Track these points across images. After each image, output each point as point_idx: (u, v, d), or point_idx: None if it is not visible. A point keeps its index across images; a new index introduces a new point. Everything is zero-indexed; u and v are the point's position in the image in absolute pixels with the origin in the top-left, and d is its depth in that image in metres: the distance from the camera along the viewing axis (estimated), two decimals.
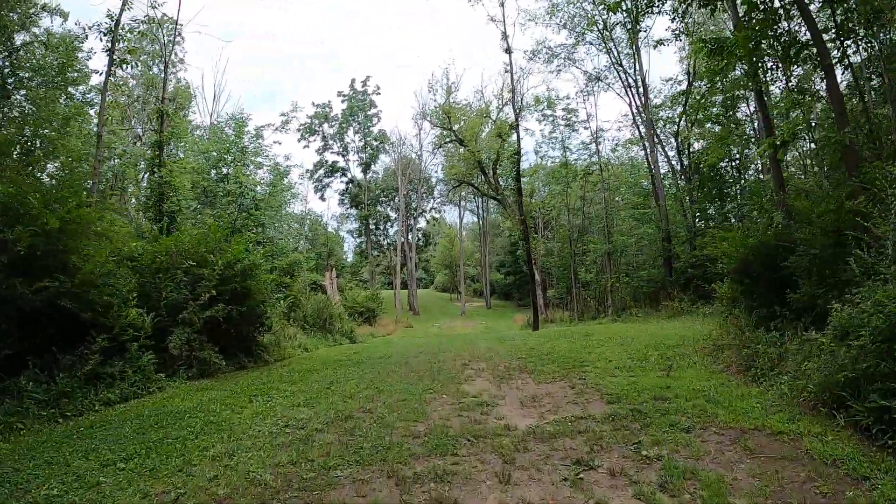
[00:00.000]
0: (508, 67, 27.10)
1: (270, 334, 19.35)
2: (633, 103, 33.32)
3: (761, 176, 30.62)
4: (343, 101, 60.12)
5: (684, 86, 33.42)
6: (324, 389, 10.87)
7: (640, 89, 32.84)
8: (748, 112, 32.39)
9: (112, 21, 15.35)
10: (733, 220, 29.87)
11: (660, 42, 26.88)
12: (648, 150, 32.34)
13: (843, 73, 14.68)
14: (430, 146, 55.66)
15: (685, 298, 27.50)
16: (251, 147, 30.70)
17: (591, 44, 34.93)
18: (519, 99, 28.97)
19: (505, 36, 27.33)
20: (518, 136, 26.15)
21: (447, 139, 45.80)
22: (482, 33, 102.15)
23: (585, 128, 38.85)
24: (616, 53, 33.45)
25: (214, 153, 28.81)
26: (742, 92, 32.35)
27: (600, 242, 34.81)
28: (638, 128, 33.73)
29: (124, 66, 15.83)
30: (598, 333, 19.41)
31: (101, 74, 17.03)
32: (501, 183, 45.31)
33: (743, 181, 32.04)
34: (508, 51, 27.20)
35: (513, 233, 66.85)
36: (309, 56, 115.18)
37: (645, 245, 32.81)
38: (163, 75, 23.73)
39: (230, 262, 15.32)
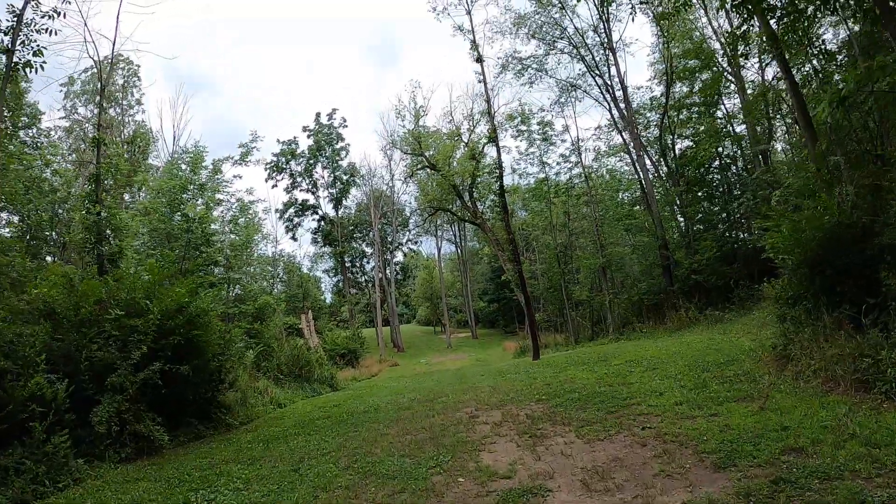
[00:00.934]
0: (481, 77, 24.59)
1: (235, 391, 16.27)
2: (613, 108, 31.01)
3: (744, 173, 28.49)
4: (309, 137, 57.49)
5: (657, 92, 31.60)
6: (289, 474, 7.84)
7: (620, 93, 30.54)
8: (726, 111, 30.46)
9: (14, 17, 12.45)
10: (720, 227, 27.51)
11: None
12: (635, 156, 29.93)
13: None
14: (402, 176, 53.10)
15: (691, 307, 24.96)
16: (209, 183, 27.72)
17: (564, 52, 32.68)
18: (494, 110, 26.44)
19: (475, 45, 24.89)
20: (498, 147, 23.60)
21: (419, 166, 43.22)
22: (449, 54, 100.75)
23: (563, 140, 36.19)
24: (592, 57, 31.18)
25: (170, 191, 25.79)
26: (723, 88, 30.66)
27: (593, 257, 32.13)
28: (620, 133, 31.41)
29: (28, 69, 12.76)
30: (613, 357, 16.76)
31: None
32: (479, 206, 42.87)
33: (730, 180, 29.66)
34: (479, 59, 24.74)
35: (493, 259, 64.52)
36: (271, 95, 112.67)
37: (639, 255, 30.21)
38: (100, 99, 20.55)
39: (171, 309, 12.25)
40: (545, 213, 36.15)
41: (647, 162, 31.17)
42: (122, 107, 40.36)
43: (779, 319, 11.52)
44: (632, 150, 30.19)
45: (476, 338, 60.34)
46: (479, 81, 25.03)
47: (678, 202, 29.32)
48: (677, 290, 26.59)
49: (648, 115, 33.08)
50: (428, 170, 43.55)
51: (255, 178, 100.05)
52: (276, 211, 57.16)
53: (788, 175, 18.68)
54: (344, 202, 58.66)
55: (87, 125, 37.44)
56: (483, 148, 41.32)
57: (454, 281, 72.12)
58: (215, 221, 27.65)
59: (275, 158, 57.18)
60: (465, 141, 41.10)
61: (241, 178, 32.90)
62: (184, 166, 27.51)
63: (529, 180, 38.86)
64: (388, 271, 60.40)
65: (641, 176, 29.46)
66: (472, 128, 41.24)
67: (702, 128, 30.06)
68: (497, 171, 23.00)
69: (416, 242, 67.11)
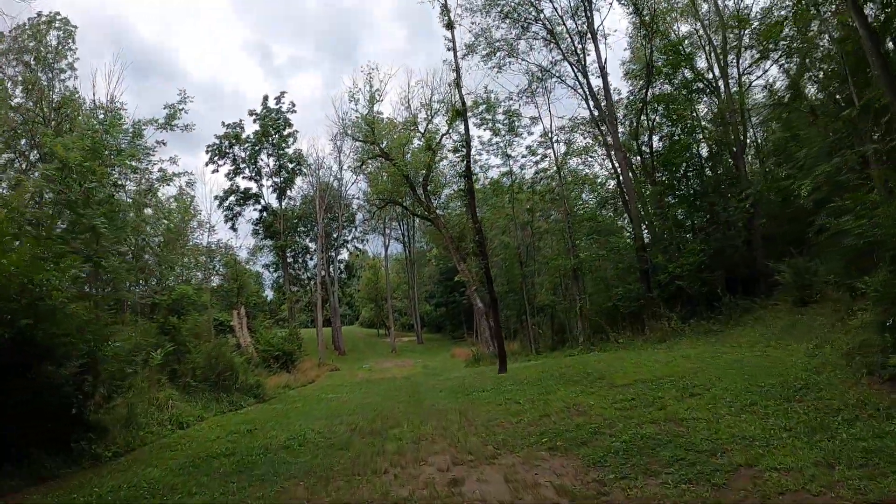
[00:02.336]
0: (451, 45, 20.82)
1: (118, 407, 12.09)
2: (590, 99, 27.61)
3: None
4: (255, 121, 52.53)
5: (624, 92, 28.43)
6: None
7: (599, 81, 27.25)
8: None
9: None
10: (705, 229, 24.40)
11: None
12: (615, 149, 26.62)
13: None
14: (351, 169, 48.82)
15: (674, 316, 22.09)
16: (127, 148, 23.12)
17: (538, 38, 29.24)
18: (462, 83, 22.54)
19: (445, 9, 21.07)
20: (466, 122, 19.74)
21: (370, 155, 39.16)
22: (407, 50, 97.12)
23: (530, 133, 32.69)
24: (569, 43, 27.83)
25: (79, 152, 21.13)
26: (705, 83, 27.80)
27: (563, 258, 28.56)
28: (597, 124, 28.03)
29: None
30: (609, 373, 13.52)
31: None
32: (433, 202, 39.03)
33: (712, 181, 26.67)
34: (450, 25, 20.95)
35: (442, 261, 60.70)
36: (225, 85, 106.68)
37: (614, 257, 26.88)
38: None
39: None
40: (506, 209, 32.51)
41: (615, 162, 27.92)
42: (53, 71, 35.13)
43: (882, 329, 8.06)
44: (609, 141, 26.89)
45: (422, 342, 56.37)
46: (449, 49, 21.30)
47: (657, 201, 26.15)
48: (657, 297, 23.37)
49: (621, 113, 29.89)
50: (380, 160, 39.63)
51: (193, 161, 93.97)
52: (216, 198, 52.02)
53: None
54: (288, 193, 53.87)
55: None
56: (441, 139, 37.76)
57: (400, 282, 67.99)
58: (122, 189, 23.01)
59: (217, 141, 52.12)
60: (422, 131, 37.41)
61: (164, 144, 27.76)
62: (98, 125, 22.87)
63: (492, 173, 35.15)
64: (331, 269, 55.96)
65: (619, 171, 26.15)
66: (429, 117, 37.60)
67: (677, 128, 27.19)
68: (463, 148, 19.19)
69: (362, 241, 62.70)
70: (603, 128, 27.60)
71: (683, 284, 22.37)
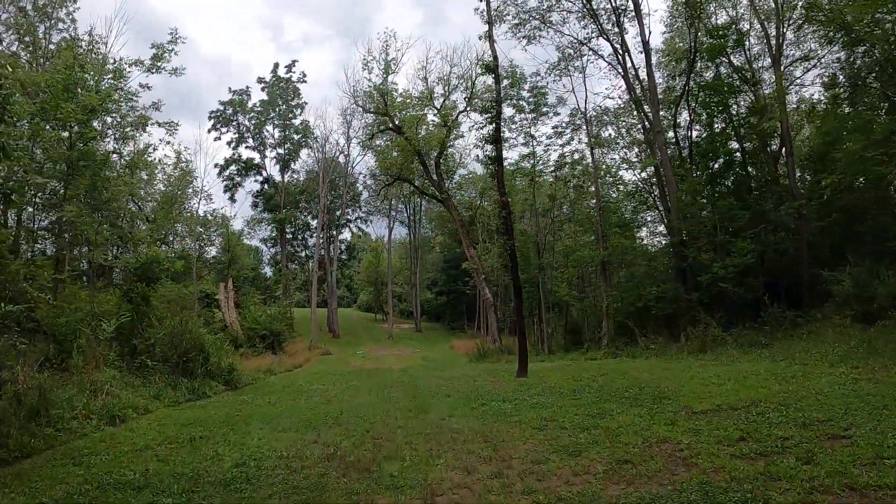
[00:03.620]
0: None
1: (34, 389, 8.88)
2: (629, 76, 24.21)
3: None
4: (264, 90, 49.08)
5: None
6: None
7: (641, 57, 23.84)
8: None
9: None
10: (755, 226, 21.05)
11: None
12: (655, 132, 23.24)
13: None
14: (360, 143, 45.31)
15: (713, 323, 18.82)
16: (105, 85, 19.68)
17: (573, 10, 25.91)
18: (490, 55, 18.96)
19: None
20: (497, 80, 16.14)
21: (382, 127, 35.78)
22: (425, 25, 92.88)
23: (556, 113, 29.20)
24: (607, 16, 24.53)
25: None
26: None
27: (591, 249, 25.11)
28: (638, 105, 24.64)
29: None
30: (666, 389, 10.66)
31: None
32: (445, 182, 35.66)
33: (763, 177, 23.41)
34: None
35: (447, 248, 57.30)
36: (236, 58, 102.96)
37: (644, 252, 23.53)
38: None
39: None
40: (526, 192, 29.10)
41: (656, 147, 24.55)
42: (50, 20, 31.65)
43: None
44: (649, 123, 23.52)
45: (420, 331, 53.01)
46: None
47: (704, 192, 22.81)
48: (696, 301, 20.07)
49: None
50: (391, 134, 36.29)
51: (198, 133, 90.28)
52: (216, 166, 48.81)
53: None
54: (292, 165, 50.50)
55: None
56: (457, 116, 34.46)
57: (402, 267, 64.55)
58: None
59: (222, 108, 48.72)
60: (438, 107, 34.09)
61: (149, 88, 24.29)
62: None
63: (512, 154, 31.60)
64: (331, 248, 52.55)
65: (659, 156, 22.74)
66: (447, 93, 34.31)
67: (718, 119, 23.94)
68: (493, 108, 15.74)
69: (366, 221, 59.20)
70: (645, 108, 24.20)
71: (728, 288, 19.09)
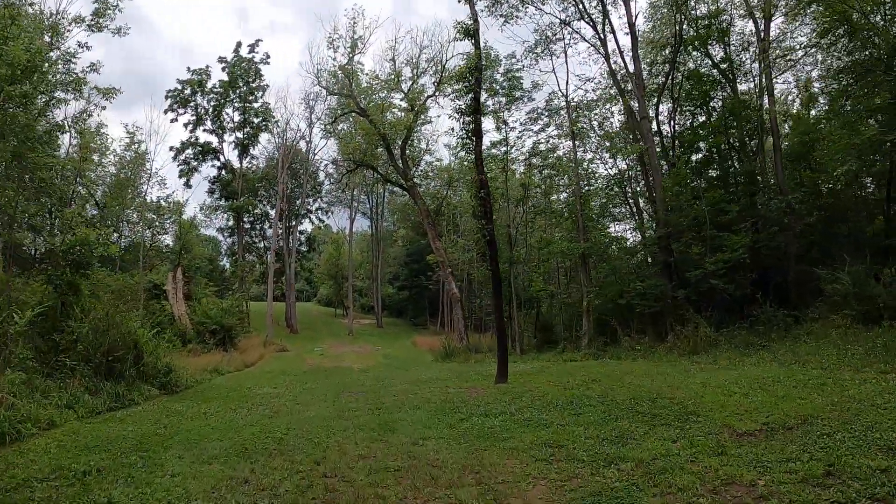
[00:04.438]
0: None
1: None
2: (612, 59, 22.64)
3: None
4: (224, 70, 46.14)
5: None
6: None
7: (627, 39, 22.28)
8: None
9: None
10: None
11: None
12: (640, 117, 21.67)
13: None
14: (323, 127, 43.00)
15: (703, 322, 17.32)
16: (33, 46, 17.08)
17: None
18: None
19: None
20: (477, 42, 14.06)
21: (346, 109, 33.64)
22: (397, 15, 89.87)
23: (531, 98, 27.36)
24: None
25: None
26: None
27: (570, 241, 23.27)
28: (622, 91, 23.02)
29: None
30: (682, 399, 9.08)
31: None
32: (411, 170, 33.65)
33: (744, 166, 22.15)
34: None
35: (409, 242, 55.21)
36: (201, 42, 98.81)
37: (623, 247, 21.91)
38: None
39: None
40: (497, 181, 27.26)
41: (640, 134, 23.02)
42: None
43: None
44: (635, 109, 21.90)
45: (381, 326, 50.83)
46: None
47: (692, 182, 21.33)
48: (683, 298, 18.55)
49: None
50: (355, 118, 34.15)
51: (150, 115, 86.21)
52: (171, 149, 45.79)
53: None
54: (251, 151, 47.58)
55: None
56: (425, 101, 32.51)
57: (363, 261, 62.25)
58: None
59: (179, 87, 45.61)
60: (405, 90, 32.11)
61: (89, 48, 21.66)
62: None
63: (483, 140, 29.59)
64: (290, 239, 49.94)
65: (647, 144, 21.12)
66: (415, 76, 32.38)
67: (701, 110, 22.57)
68: (473, 74, 13.78)
69: (327, 212, 56.61)
70: (631, 86, 22.62)
71: (718, 285, 17.59)
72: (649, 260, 21.78)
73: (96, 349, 12.82)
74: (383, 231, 56.56)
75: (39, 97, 17.29)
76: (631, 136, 24.17)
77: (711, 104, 23.38)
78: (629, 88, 23.71)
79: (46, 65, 18.05)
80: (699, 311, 17.73)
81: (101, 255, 17.31)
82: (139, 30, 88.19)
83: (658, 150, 23.45)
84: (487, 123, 28.88)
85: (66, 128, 22.53)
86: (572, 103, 25.22)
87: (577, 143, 25.08)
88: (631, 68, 22.61)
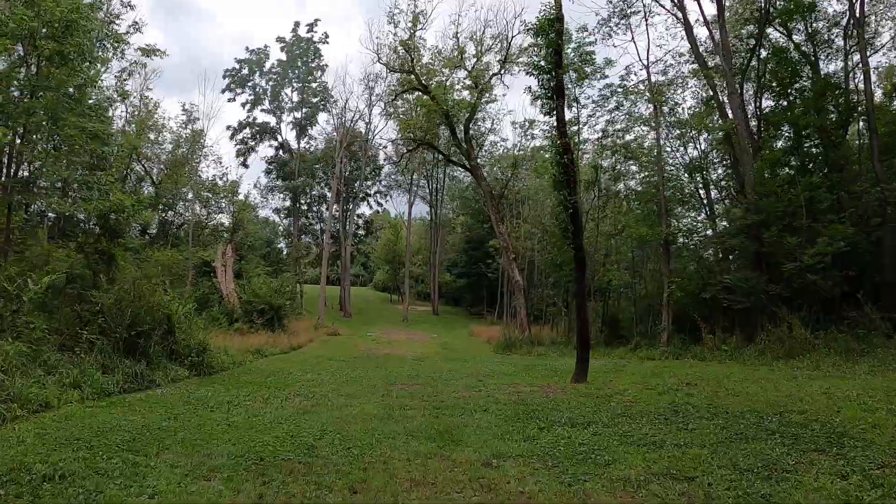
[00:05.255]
0: None
1: None
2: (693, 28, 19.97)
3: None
4: (283, 50, 44.99)
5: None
6: None
7: (713, 6, 19.51)
8: None
9: None
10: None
11: None
12: (729, 93, 18.98)
13: None
14: (382, 115, 41.33)
15: (797, 323, 14.83)
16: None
17: None
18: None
19: None
20: None
21: (406, 87, 31.70)
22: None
23: (604, 76, 24.62)
24: None
25: None
26: None
27: (650, 226, 20.58)
28: (703, 64, 20.38)
29: None
30: (823, 417, 6.92)
31: None
32: (476, 149, 31.50)
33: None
34: None
35: (469, 228, 52.95)
36: (261, 28, 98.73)
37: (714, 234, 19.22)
38: None
39: None
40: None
41: (729, 110, 20.19)
42: None
43: None
44: (719, 88, 19.25)
45: (437, 314, 48.95)
46: None
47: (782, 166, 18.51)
48: (777, 294, 15.90)
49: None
50: (416, 96, 32.20)
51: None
52: (228, 128, 45.08)
53: None
54: (309, 131, 46.31)
55: None
56: (490, 79, 30.25)
57: (421, 247, 60.42)
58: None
59: (237, 66, 44.71)
60: (469, 68, 29.94)
61: (132, 7, 20.56)
62: None
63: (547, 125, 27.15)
64: (347, 223, 48.49)
65: (736, 121, 18.45)
66: (479, 54, 30.10)
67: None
68: (553, 25, 11.56)
69: (385, 196, 54.92)
70: (718, 59, 19.87)
71: (816, 280, 14.88)
72: (732, 252, 19.01)
73: (117, 323, 11.20)
74: (442, 217, 54.58)
75: (84, 63, 15.90)
76: (711, 119, 21.30)
77: (797, 85, 20.55)
78: (712, 64, 21.01)
79: (88, 23, 16.71)
80: (793, 310, 15.12)
81: (138, 222, 15.90)
82: (198, 18, 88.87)
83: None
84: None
85: (113, 96, 21.29)
86: (651, 78, 22.51)
87: (656, 118, 22.37)
88: (717, 36, 19.90)
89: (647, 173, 23.92)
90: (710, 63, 21.57)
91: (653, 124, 21.77)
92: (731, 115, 19.21)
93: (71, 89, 14.76)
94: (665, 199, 19.73)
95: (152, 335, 11.63)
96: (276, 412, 8.13)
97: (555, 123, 12.08)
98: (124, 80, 26.45)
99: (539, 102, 13.48)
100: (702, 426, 6.94)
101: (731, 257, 19.68)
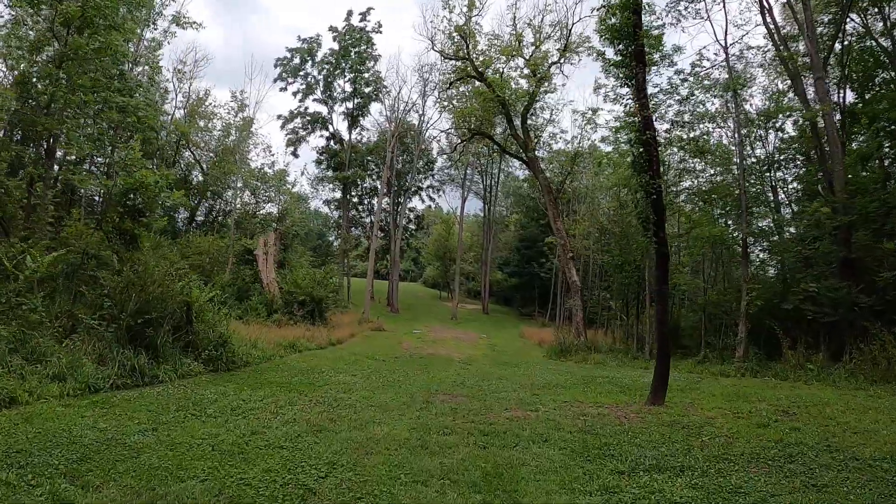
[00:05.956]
0: None
1: None
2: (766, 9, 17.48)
3: None
4: (335, 39, 43.69)
5: None
6: None
7: None
8: None
9: None
10: None
11: None
12: (815, 77, 16.58)
13: None
14: (436, 106, 39.66)
15: (892, 341, 12.51)
16: None
17: None
18: None
19: None
20: None
21: (461, 74, 29.91)
22: None
23: (672, 63, 22.00)
24: None
25: None
26: None
27: (720, 227, 18.19)
28: (780, 43, 17.90)
29: None
30: None
31: None
32: (534, 141, 29.46)
33: None
34: None
35: (522, 226, 50.84)
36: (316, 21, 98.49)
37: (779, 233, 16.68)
38: None
39: None
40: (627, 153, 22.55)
41: (818, 96, 17.59)
42: None
43: None
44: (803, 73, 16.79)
45: (487, 313, 46.98)
46: None
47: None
48: (869, 307, 13.56)
49: None
50: (471, 84, 30.40)
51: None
52: (279, 117, 44.13)
53: None
54: (361, 121, 44.88)
55: None
56: (549, 67, 28.26)
57: (473, 244, 58.50)
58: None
59: (289, 55, 43.67)
60: (527, 56, 27.99)
61: (176, 34, 19.74)
62: None
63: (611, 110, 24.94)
64: (397, 216, 46.98)
65: (820, 106, 16.01)
66: (538, 41, 28.13)
67: None
68: None
69: (438, 191, 53.17)
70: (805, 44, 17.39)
71: None
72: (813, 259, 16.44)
73: (120, 308, 9.77)
74: (496, 214, 52.59)
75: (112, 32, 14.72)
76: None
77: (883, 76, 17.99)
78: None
79: None
80: (886, 325, 12.75)
81: (165, 203, 14.55)
82: (254, 12, 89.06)
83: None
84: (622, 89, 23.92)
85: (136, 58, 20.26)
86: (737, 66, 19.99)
87: (736, 105, 19.82)
88: (800, 16, 17.42)
89: (717, 170, 21.55)
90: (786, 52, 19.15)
91: (729, 107, 19.24)
92: (818, 100, 16.73)
93: (93, 57, 13.55)
94: (745, 196, 17.20)
95: (162, 324, 10.16)
96: (282, 428, 6.45)
97: (633, 96, 10.00)
98: (156, 50, 25.50)
99: (612, 77, 11.35)
100: (834, 481, 4.99)
101: (812, 264, 17.15)
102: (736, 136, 18.63)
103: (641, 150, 9.27)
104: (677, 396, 9.88)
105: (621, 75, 10.57)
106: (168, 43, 26.71)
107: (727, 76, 18.41)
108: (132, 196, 13.23)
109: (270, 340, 16.19)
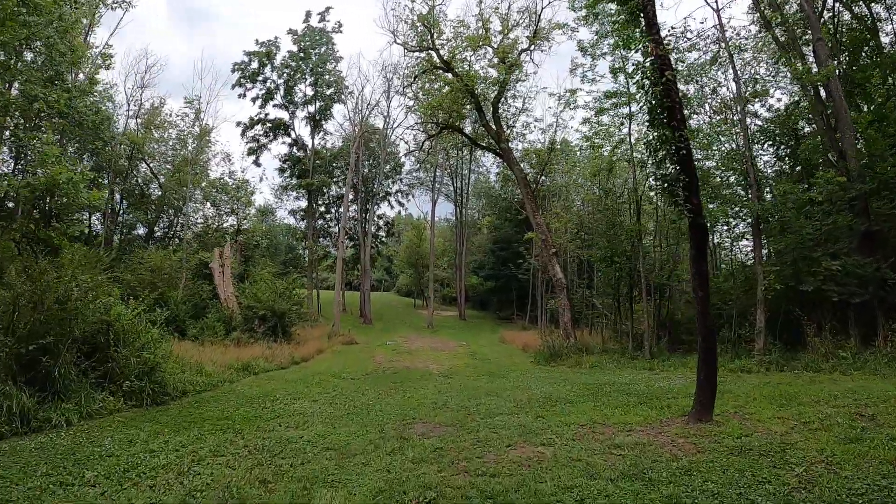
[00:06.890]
0: None
1: None
2: None
3: None
4: (295, 42, 41.47)
5: None
6: None
7: None
8: None
9: None
10: None
11: None
12: (814, 38, 14.99)
13: None
14: (401, 108, 37.72)
15: None
16: None
17: None
18: None
19: None
20: None
21: (425, 66, 27.98)
22: None
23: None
24: None
25: None
26: None
27: (725, 207, 16.34)
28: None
29: None
30: None
31: None
32: (507, 131, 27.55)
33: None
34: None
35: (495, 228, 49.00)
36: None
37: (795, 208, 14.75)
38: None
39: None
40: (611, 134, 20.57)
41: (819, 58, 15.96)
42: None
43: None
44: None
45: (464, 319, 44.95)
46: None
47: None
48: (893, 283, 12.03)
49: None
50: (437, 76, 28.44)
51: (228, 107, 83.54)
52: (239, 124, 41.72)
53: None
54: (324, 125, 42.58)
55: None
56: (520, 55, 26.52)
57: (446, 249, 56.44)
58: None
59: (246, 59, 41.26)
60: (495, 45, 26.24)
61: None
62: None
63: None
64: (366, 224, 44.67)
65: (823, 68, 14.42)
66: (505, 30, 26.44)
67: None
68: None
69: (407, 195, 50.96)
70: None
71: None
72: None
73: (8, 334, 7.54)
74: (467, 218, 50.63)
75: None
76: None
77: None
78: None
79: None
80: None
81: (84, 203, 12.24)
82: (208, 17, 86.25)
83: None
84: (602, 66, 22.19)
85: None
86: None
87: (733, 66, 18.07)
88: None
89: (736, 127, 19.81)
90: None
91: (727, 68, 17.45)
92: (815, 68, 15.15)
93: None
94: (752, 168, 15.39)
95: (62, 350, 7.93)
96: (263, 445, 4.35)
97: (644, 32, 8.05)
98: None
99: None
100: None
101: (827, 240, 15.39)
102: (739, 105, 16.78)
103: (661, 96, 7.27)
104: (718, 403, 7.95)
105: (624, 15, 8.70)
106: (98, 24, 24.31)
107: (722, 45, 16.64)
108: (45, 198, 10.98)
109: (223, 363, 13.98)
